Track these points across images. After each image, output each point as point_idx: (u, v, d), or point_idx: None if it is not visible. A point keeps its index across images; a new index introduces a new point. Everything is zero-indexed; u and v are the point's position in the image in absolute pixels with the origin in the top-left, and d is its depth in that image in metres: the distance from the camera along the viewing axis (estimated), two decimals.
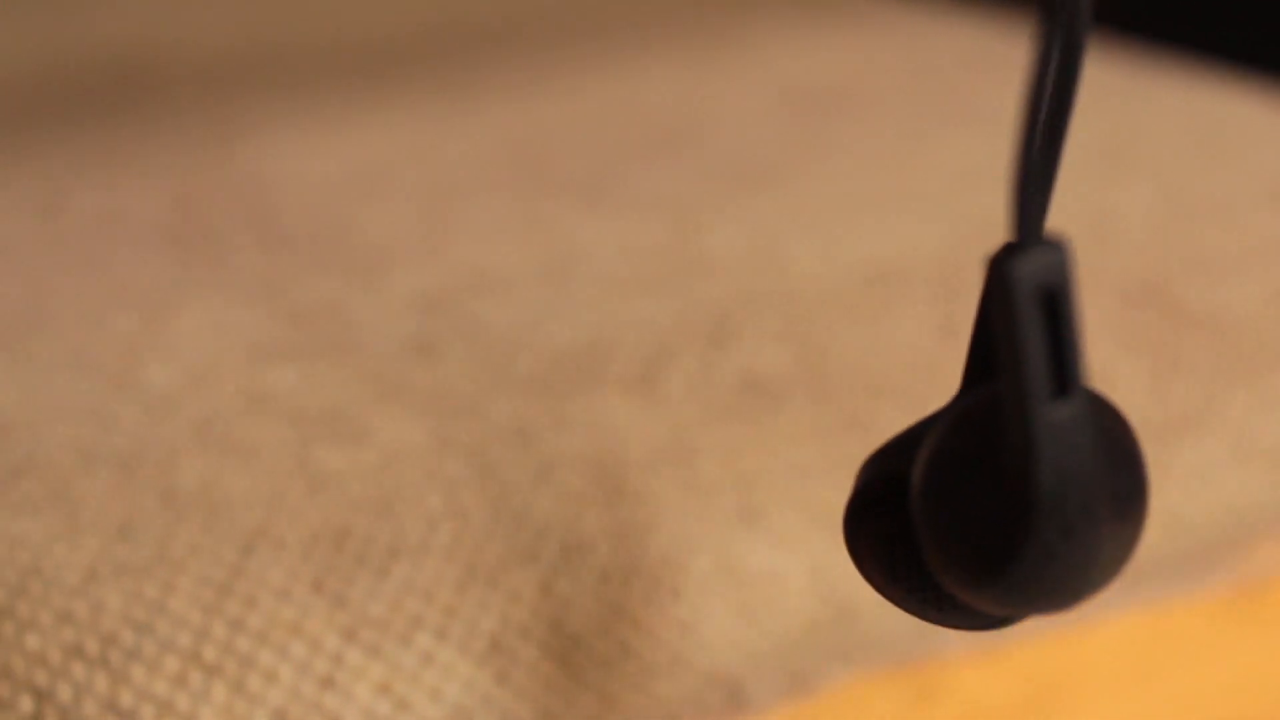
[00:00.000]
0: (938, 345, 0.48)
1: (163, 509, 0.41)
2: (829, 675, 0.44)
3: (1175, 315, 0.49)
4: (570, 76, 0.64)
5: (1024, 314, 0.28)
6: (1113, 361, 0.48)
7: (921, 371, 0.47)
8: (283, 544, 0.41)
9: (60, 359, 0.46)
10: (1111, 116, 0.60)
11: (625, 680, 0.42)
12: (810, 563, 0.43)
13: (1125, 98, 0.61)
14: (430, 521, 0.42)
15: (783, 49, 0.66)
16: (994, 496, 0.28)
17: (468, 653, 0.41)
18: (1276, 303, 0.51)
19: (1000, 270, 0.28)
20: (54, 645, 0.39)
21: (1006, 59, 0.65)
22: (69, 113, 0.63)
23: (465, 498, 0.42)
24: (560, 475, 0.43)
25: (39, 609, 0.39)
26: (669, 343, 0.47)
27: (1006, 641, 0.46)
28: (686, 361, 0.46)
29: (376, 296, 0.49)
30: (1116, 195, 0.55)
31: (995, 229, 0.52)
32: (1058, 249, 0.28)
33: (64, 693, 0.38)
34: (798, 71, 0.64)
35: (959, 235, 0.52)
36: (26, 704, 0.38)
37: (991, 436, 0.29)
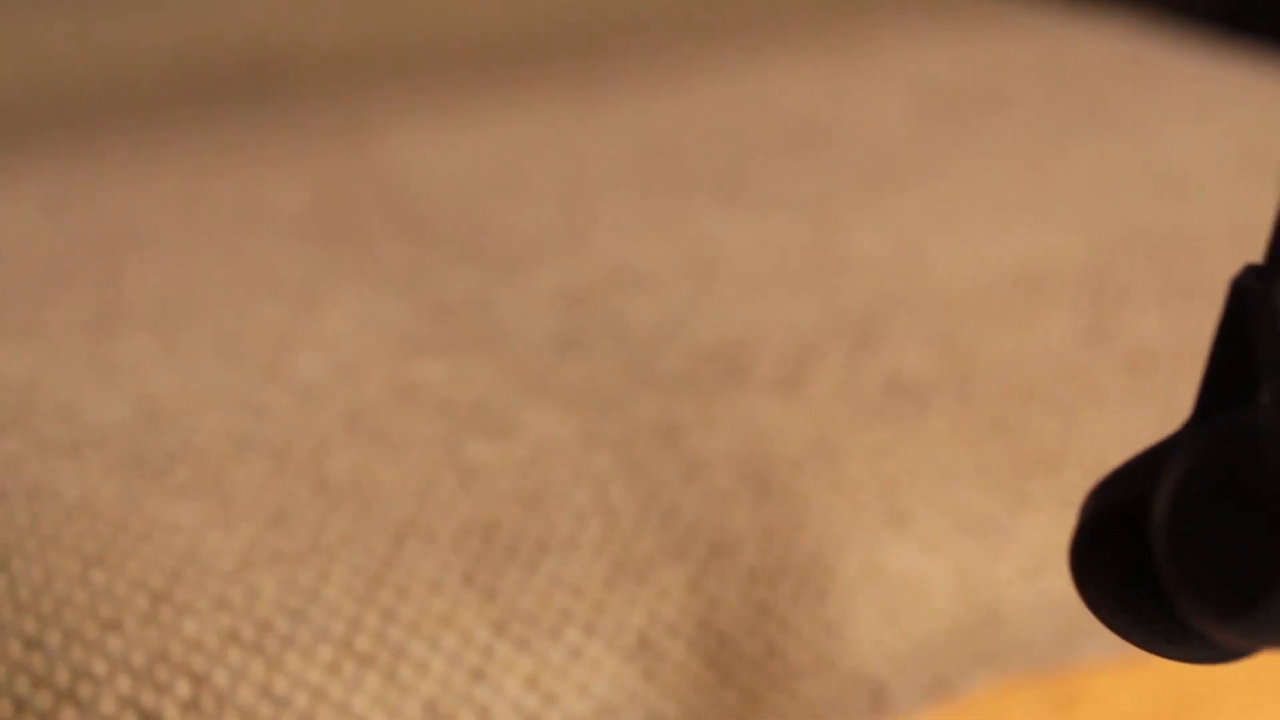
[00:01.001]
0: (1084, 351, 0.47)
1: (315, 498, 0.42)
2: (971, 679, 0.44)
3: None
4: (700, 74, 0.64)
5: None
6: None
7: (1068, 377, 0.47)
8: (434, 536, 0.41)
9: (210, 347, 0.46)
10: None
11: (770, 679, 0.42)
12: (956, 566, 0.43)
13: None
14: (579, 517, 0.42)
15: (913, 49, 0.66)
16: (1250, 527, 0.27)
17: (616, 649, 0.41)
18: None
19: (1264, 295, 0.27)
20: (211, 630, 0.39)
21: (1142, 64, 0.64)
22: (204, 107, 0.64)
23: (614, 494, 0.42)
24: (708, 473, 0.43)
25: (196, 594, 0.39)
26: (814, 343, 0.47)
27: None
28: (832, 362, 0.46)
29: (520, 291, 0.49)
30: None
31: (1139, 236, 0.52)
32: None
33: (220, 678, 0.38)
34: (930, 72, 0.64)
35: (1102, 241, 0.52)
36: (184, 688, 0.38)
37: (1247, 465, 0.27)
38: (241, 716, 0.38)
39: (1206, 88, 0.62)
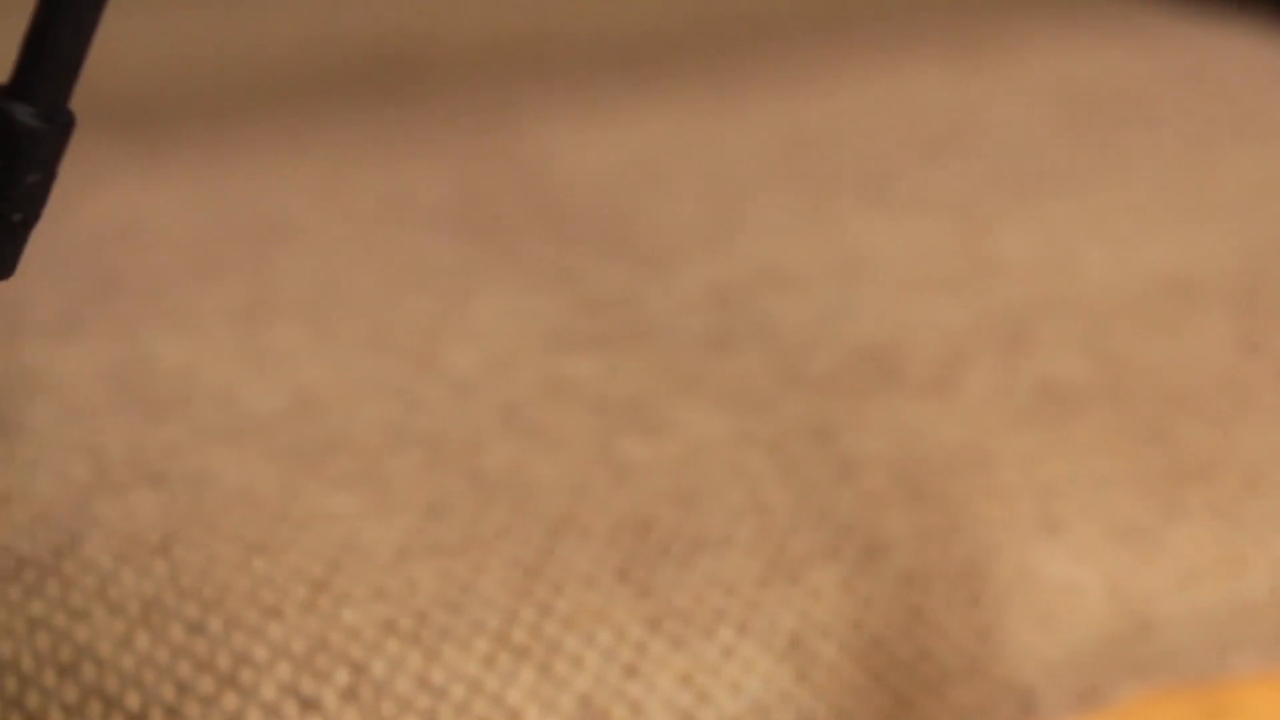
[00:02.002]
0: (1240, 360, 0.47)
1: (471, 491, 0.42)
2: (1121, 689, 0.44)
3: None
4: (839, 73, 0.64)
5: None
6: None
7: (1223, 386, 0.46)
8: (588, 532, 0.41)
9: (362, 338, 0.47)
10: None
11: (922, 684, 0.42)
12: (1109, 575, 0.43)
13: None
14: (733, 515, 0.42)
15: (1052, 53, 0.65)
16: None
17: (768, 648, 0.41)
18: None
19: None
20: (369, 620, 0.39)
21: None
22: (343, 98, 0.64)
23: (767, 493, 0.42)
24: (861, 475, 0.43)
25: (354, 584, 0.40)
26: (965, 346, 0.47)
27: None
28: (984, 366, 0.46)
29: (668, 288, 0.49)
30: None
31: None
32: None
33: (378, 667, 0.39)
34: (1073, 76, 0.63)
35: (1256, 250, 0.51)
36: (343, 676, 0.38)
37: None
38: (399, 706, 0.38)
39: None
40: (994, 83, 0.63)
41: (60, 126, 0.29)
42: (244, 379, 0.45)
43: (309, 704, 0.38)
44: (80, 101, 0.61)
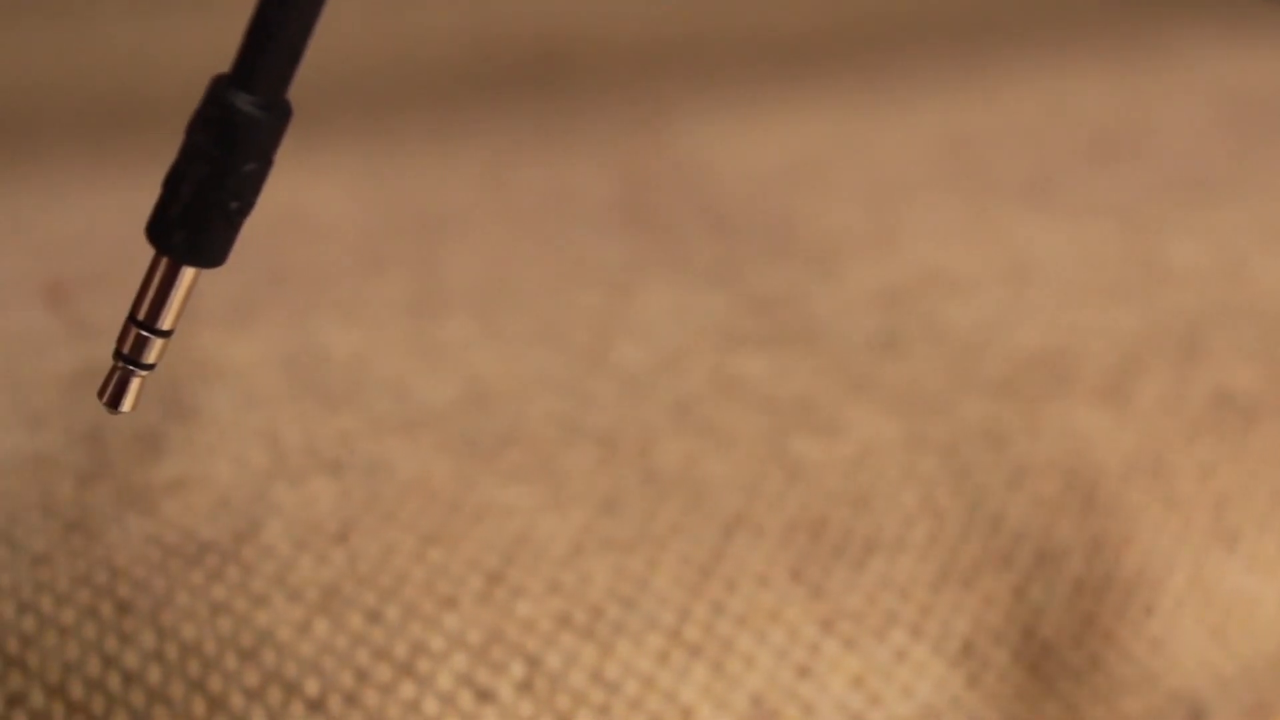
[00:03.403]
0: None
1: (644, 487, 0.42)
2: None
3: None
4: (997, 77, 0.63)
5: None
6: None
7: None
8: (762, 531, 0.41)
9: (531, 332, 0.47)
10: None
11: (1092, 693, 0.41)
12: None
13: None
14: (906, 518, 0.42)
15: (1215, 58, 0.65)
16: None
17: (941, 653, 0.40)
18: None
19: None
20: (544, 613, 0.39)
21: None
22: (499, 94, 0.64)
23: (940, 497, 0.42)
24: (1034, 481, 0.43)
25: (529, 577, 0.40)
26: (1137, 353, 0.46)
27: None
28: (1156, 374, 0.46)
29: (835, 289, 0.49)
30: None
31: None
32: None
33: (553, 661, 0.39)
34: (1236, 81, 0.63)
35: None
36: (518, 669, 0.39)
37: None
38: (573, 700, 0.38)
39: None
40: (1156, 86, 0.63)
41: (279, 116, 0.29)
42: (415, 370, 0.45)
43: (484, 695, 0.38)
44: None
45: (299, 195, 0.54)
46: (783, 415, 0.44)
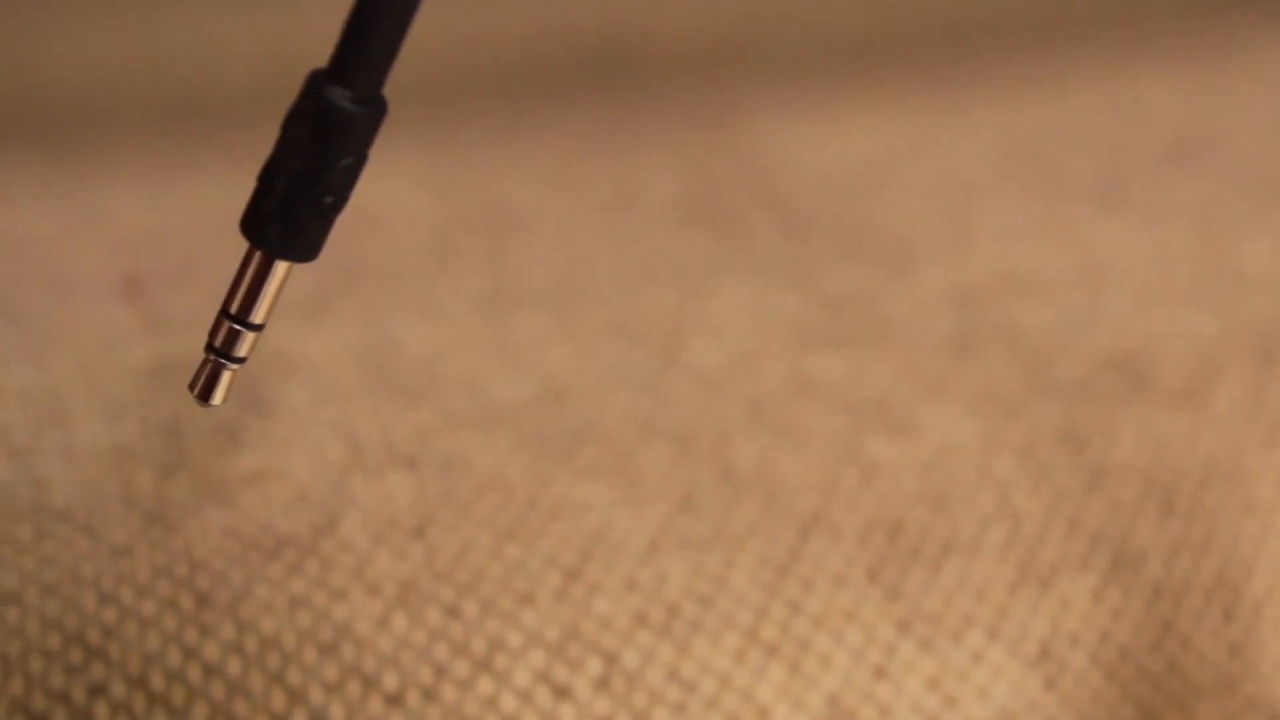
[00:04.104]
0: None
1: (720, 486, 0.42)
2: None
3: None
4: (1064, 77, 0.63)
5: None
6: None
7: None
8: (838, 531, 0.41)
9: (605, 330, 0.47)
10: None
11: (1169, 698, 0.41)
12: None
13: None
14: (982, 520, 0.42)
15: None
16: None
17: (1018, 656, 0.40)
18: None
19: None
20: (621, 611, 0.39)
21: None
22: (567, 90, 0.64)
23: (1017, 499, 0.42)
24: (1112, 484, 0.42)
25: (606, 574, 0.40)
26: (1215, 357, 0.46)
27: None
28: (1235, 378, 0.45)
29: (908, 289, 0.49)
30: None
31: None
32: None
33: (630, 658, 0.39)
34: None
35: None
36: (595, 665, 0.39)
37: None
38: (650, 698, 0.38)
39: None
40: (1229, 87, 0.62)
41: (375, 111, 0.29)
42: (489, 366, 0.45)
43: (562, 692, 0.38)
44: None
45: (369, 191, 0.54)
46: (858, 415, 0.44)
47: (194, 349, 0.46)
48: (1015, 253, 0.51)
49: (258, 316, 0.30)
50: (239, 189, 0.54)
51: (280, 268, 0.30)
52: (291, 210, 0.29)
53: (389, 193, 0.55)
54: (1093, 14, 0.69)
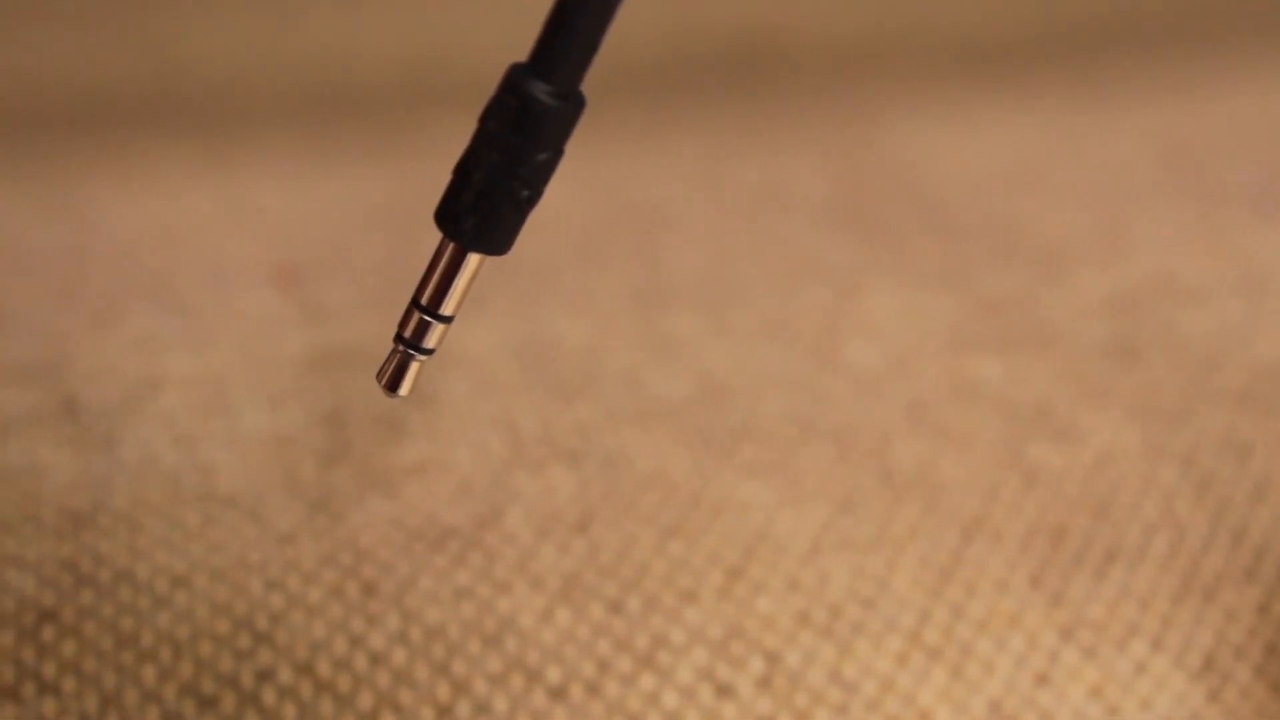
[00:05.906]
0: None
1: (881, 487, 0.42)
2: None
3: None
4: (1214, 80, 0.63)
5: None
6: None
7: None
8: (1000, 536, 0.41)
9: (760, 329, 0.47)
10: None
11: None
12: None
13: None
14: (1146, 528, 0.41)
15: None
16: None
17: (1182, 666, 0.40)
18: None
19: None
20: (784, 610, 0.39)
21: None
22: (709, 89, 0.64)
23: (1180, 508, 0.42)
24: (1276, 496, 0.42)
25: (769, 573, 0.40)
26: None
27: None
28: None
29: (1064, 293, 0.49)
30: None
31: None
32: None
33: (792, 658, 0.39)
34: None
35: None
36: (758, 664, 0.38)
37: None
38: (811, 698, 0.38)
39: None
40: None
41: (574, 106, 0.29)
42: (647, 362, 0.45)
43: (724, 690, 0.38)
44: (449, 87, 0.62)
45: None
46: (1019, 420, 0.43)
47: (349, 339, 0.47)
48: (1171, 259, 0.50)
49: (448, 308, 0.30)
50: (384, 180, 0.55)
51: (473, 260, 0.30)
52: (488, 203, 0.29)
53: None
54: (1236, 18, 0.68)
